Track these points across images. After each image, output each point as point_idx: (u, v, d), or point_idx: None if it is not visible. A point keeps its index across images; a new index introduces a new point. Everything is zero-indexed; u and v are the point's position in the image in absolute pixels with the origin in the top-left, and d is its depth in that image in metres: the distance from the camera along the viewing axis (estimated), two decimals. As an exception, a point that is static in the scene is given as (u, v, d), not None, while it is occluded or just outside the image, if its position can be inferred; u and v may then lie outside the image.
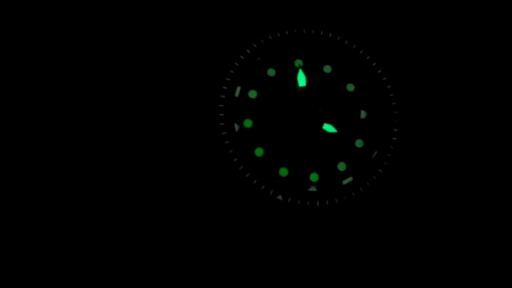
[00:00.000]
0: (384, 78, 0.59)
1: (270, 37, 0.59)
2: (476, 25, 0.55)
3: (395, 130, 0.58)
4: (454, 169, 0.56)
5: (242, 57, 0.59)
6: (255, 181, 0.55)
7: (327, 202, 0.55)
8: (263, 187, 0.55)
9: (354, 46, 0.60)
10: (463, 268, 0.53)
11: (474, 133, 0.57)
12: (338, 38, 0.60)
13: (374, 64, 0.60)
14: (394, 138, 0.58)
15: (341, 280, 0.53)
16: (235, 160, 0.55)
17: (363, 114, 0.59)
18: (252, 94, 0.59)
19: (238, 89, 0.58)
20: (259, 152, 0.57)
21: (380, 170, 0.57)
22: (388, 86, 0.59)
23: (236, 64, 0.58)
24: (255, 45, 0.59)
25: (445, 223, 0.55)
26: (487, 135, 0.56)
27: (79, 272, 0.51)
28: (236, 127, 0.57)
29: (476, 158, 0.57)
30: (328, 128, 0.58)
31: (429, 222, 0.55)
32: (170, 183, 0.54)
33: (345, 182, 0.57)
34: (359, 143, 0.59)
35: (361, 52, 0.60)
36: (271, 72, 0.59)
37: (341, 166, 0.58)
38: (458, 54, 0.58)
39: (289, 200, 0.55)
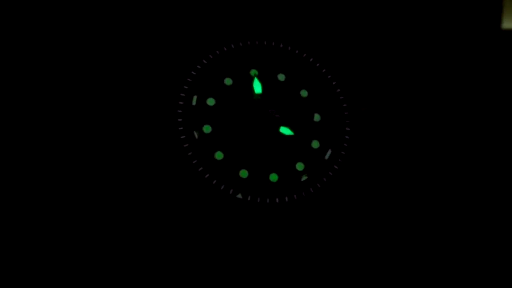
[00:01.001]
0: (334, 83, 0.63)
1: (225, 49, 0.63)
2: (422, 26, 0.56)
3: (348, 129, 0.62)
4: (401, 163, 0.59)
5: (199, 67, 0.62)
6: (214, 181, 0.56)
7: (286, 199, 0.57)
8: (222, 186, 0.56)
9: (305, 55, 0.64)
10: (410, 262, 0.54)
11: (419, 131, 0.60)
12: (289, 48, 0.64)
13: (324, 70, 0.63)
14: (347, 137, 0.61)
15: (304, 274, 0.54)
16: (194, 162, 0.57)
17: (317, 117, 0.62)
18: (210, 101, 0.61)
19: (195, 98, 0.61)
20: (219, 155, 0.59)
21: (336, 167, 0.60)
22: (338, 90, 0.63)
23: (194, 73, 0.61)
24: (211, 56, 0.62)
25: (394, 211, 0.57)
26: (430, 132, 0.58)
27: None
28: (196, 134, 0.59)
29: (420, 154, 0.60)
30: (285, 131, 0.61)
31: (379, 214, 0.57)
32: (134, 187, 0.55)
33: (302, 179, 0.59)
34: (315, 144, 0.61)
35: (311, 60, 0.64)
36: (228, 81, 0.62)
37: (299, 166, 0.60)
38: (399, 57, 0.62)
39: (249, 198, 0.57)
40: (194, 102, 0.60)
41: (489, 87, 0.52)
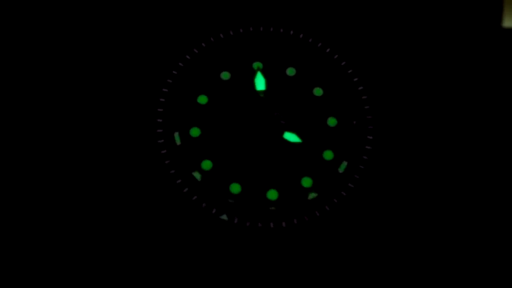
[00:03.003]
0: (356, 79, 0.51)
1: (223, 36, 0.52)
2: (450, 24, 0.50)
3: (369, 138, 0.49)
4: (434, 185, 0.46)
5: (188, 57, 0.51)
6: (195, 197, 0.46)
7: (283, 224, 0.45)
8: (204, 204, 0.46)
9: (320, 44, 0.52)
10: None
11: (456, 138, 0.48)
12: (302, 36, 0.52)
13: (343, 63, 0.51)
14: (368, 147, 0.49)
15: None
16: (172, 172, 0.46)
17: (332, 122, 0.50)
18: (202, 99, 0.51)
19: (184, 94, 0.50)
20: (206, 165, 0.49)
21: (351, 185, 0.47)
22: (360, 88, 0.51)
23: (181, 64, 0.51)
24: (204, 44, 0.51)
25: (423, 249, 0.44)
26: (469, 142, 0.48)
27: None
28: (177, 139, 0.49)
29: (458, 167, 0.47)
30: (290, 137, 0.49)
31: (405, 249, 0.44)
32: (101, 198, 0.46)
33: (310, 197, 0.47)
34: (327, 155, 0.49)
35: (328, 50, 0.52)
36: (225, 75, 0.52)
37: (306, 182, 0.48)
38: (434, 51, 0.50)
39: (235, 220, 0.45)
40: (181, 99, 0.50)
41: (489, 85, 0.48)
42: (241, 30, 0.52)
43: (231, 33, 0.52)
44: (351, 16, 0.52)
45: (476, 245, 0.46)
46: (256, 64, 0.52)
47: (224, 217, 0.45)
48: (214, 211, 0.45)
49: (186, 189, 0.46)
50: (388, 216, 0.46)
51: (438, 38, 0.50)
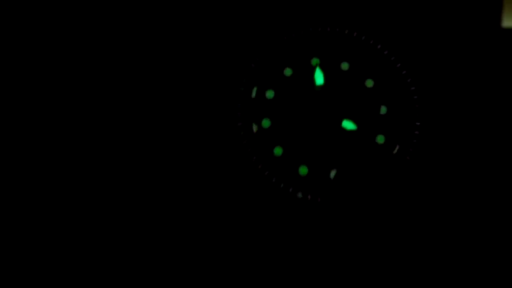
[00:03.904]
0: (404, 72, 0.58)
1: (286, 37, 0.59)
2: (449, 24, 0.52)
3: (417, 124, 0.57)
4: (479, 167, 0.53)
5: (258, 58, 0.59)
6: (274, 179, 0.55)
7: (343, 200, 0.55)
8: (282, 185, 0.55)
9: (372, 41, 0.59)
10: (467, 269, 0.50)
11: (455, 138, 0.54)
12: (355, 35, 0.59)
13: (392, 58, 0.59)
14: (416, 132, 0.57)
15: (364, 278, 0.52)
16: (254, 158, 0.55)
17: (383, 110, 0.58)
18: (270, 94, 0.59)
19: (255, 89, 0.59)
20: (278, 151, 0.57)
21: (402, 165, 0.56)
22: (409, 80, 0.58)
23: (253, 65, 0.59)
24: (270, 46, 0.59)
25: (471, 225, 0.52)
26: (469, 142, 0.54)
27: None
28: (255, 127, 0.57)
29: (502, 153, 0.54)
30: (348, 125, 0.58)
31: (450, 218, 0.52)
32: (190, 183, 0.55)
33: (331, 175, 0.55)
34: (380, 139, 0.57)
35: (378, 47, 0.59)
36: (288, 71, 0.59)
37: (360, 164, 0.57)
38: (434, 51, 0.55)
39: (309, 197, 0.55)
40: (253, 94, 0.58)
41: (489, 85, 0.49)
42: (301, 32, 0.60)
43: (293, 35, 0.59)
44: (398, 17, 0.59)
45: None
46: (315, 61, 0.60)
47: (300, 195, 0.55)
48: (291, 190, 0.55)
49: (267, 172, 0.55)
50: (436, 193, 0.54)
51: (438, 38, 0.53)
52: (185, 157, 0.56)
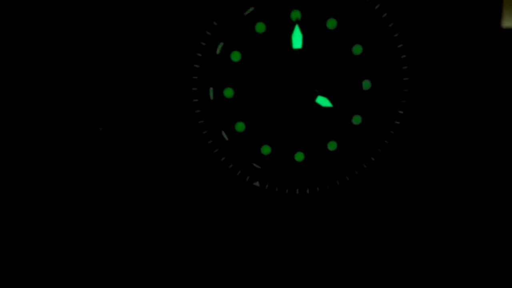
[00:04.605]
0: (396, 35, 0.47)
1: (261, -15, 0.45)
2: (449, 24, 0.48)
3: (403, 101, 0.50)
4: (466, 160, 0.50)
5: (223, 8, 0.45)
6: (223, 159, 0.49)
7: (307, 191, 0.50)
8: (239, 172, 0.49)
9: None
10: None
11: (454, 138, 0.50)
12: (350, -11, 0.46)
13: (384, 15, 0.47)
14: (401, 112, 0.50)
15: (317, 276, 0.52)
16: (205, 132, 0.48)
17: (366, 85, 0.49)
18: (235, 56, 0.48)
19: (220, 46, 0.47)
20: (239, 127, 0.50)
21: (379, 151, 0.50)
22: (400, 46, 0.48)
23: (215, 23, 0.45)
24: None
25: (445, 219, 0.51)
26: (468, 142, 0.50)
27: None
28: (211, 94, 0.48)
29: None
30: (323, 101, 0.49)
31: (429, 219, 0.51)
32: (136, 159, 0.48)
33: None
34: (356, 120, 0.50)
35: (376, 7, 0.46)
36: (259, 27, 0.47)
37: (332, 146, 0.51)
38: (480, 44, 0.47)
39: (266, 187, 0.50)
40: (218, 51, 0.47)
41: (489, 86, 0.49)
42: (282, -21, 0.45)
43: (271, -18, 0.45)
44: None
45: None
46: (295, 14, 0.47)
47: (257, 183, 0.50)
48: (247, 178, 0.49)
49: (216, 150, 0.48)
50: (413, 186, 0.50)
51: (437, 38, 0.48)
52: (133, 121, 0.47)
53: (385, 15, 0.47)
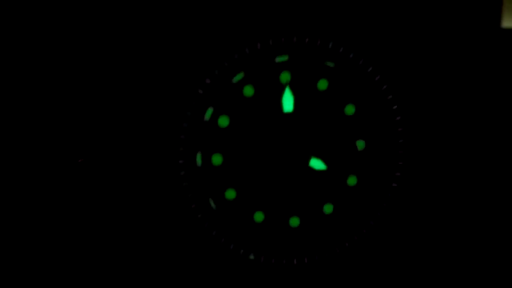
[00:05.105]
0: (390, 97, 0.46)
1: (248, 47, 0.43)
2: (449, 24, 0.48)
3: (400, 163, 0.48)
4: (467, 214, 0.48)
5: (212, 72, 0.43)
6: (214, 232, 0.46)
7: (305, 260, 0.48)
8: (232, 246, 0.46)
9: (352, 55, 0.45)
10: None
11: (456, 139, 0.49)
12: (341, 49, 0.44)
13: (377, 78, 0.45)
14: (398, 174, 0.48)
15: None
16: (193, 206, 0.45)
17: (360, 145, 0.47)
18: (223, 121, 0.45)
19: (210, 111, 0.45)
20: (230, 194, 0.47)
21: (378, 214, 0.48)
22: (395, 107, 0.46)
23: (208, 81, 0.43)
24: (228, 59, 0.43)
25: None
26: (468, 143, 0.49)
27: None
28: (199, 160, 0.45)
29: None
30: (316, 164, 0.47)
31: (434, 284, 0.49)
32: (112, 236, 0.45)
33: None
34: (352, 181, 0.48)
35: (361, 62, 0.45)
36: (248, 91, 0.45)
37: (328, 208, 0.48)
38: (480, 44, 0.47)
39: (262, 259, 0.47)
40: (207, 117, 0.45)
41: (489, 86, 0.48)
42: (269, 42, 0.43)
43: (258, 45, 0.43)
44: (389, 28, 0.44)
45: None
46: (284, 76, 0.45)
47: (252, 256, 0.47)
48: (241, 251, 0.46)
49: (199, 215, 0.46)
50: (414, 254, 0.48)
51: (437, 38, 0.47)
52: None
53: (378, 77, 0.46)
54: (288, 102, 0.45)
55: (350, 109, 0.47)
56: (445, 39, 0.46)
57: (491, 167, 0.49)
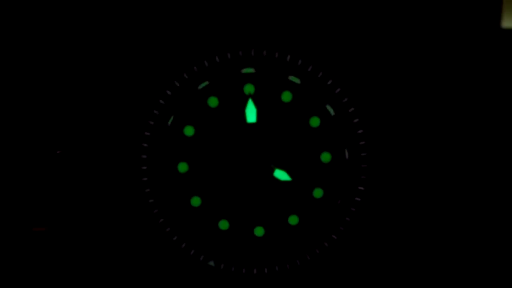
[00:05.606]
0: (352, 110, 0.46)
1: (211, 60, 0.45)
2: (449, 25, 0.48)
3: (363, 177, 0.48)
4: (430, 230, 0.47)
5: (177, 84, 0.45)
6: (176, 238, 0.47)
7: (265, 270, 0.48)
8: (192, 251, 0.48)
9: (311, 68, 0.45)
10: None
11: (456, 141, 0.48)
12: (299, 62, 0.45)
13: (338, 90, 0.46)
14: (361, 188, 0.48)
15: None
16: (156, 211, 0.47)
17: (326, 157, 0.48)
18: (188, 131, 0.47)
19: (171, 119, 0.47)
20: (195, 201, 0.48)
21: (341, 228, 0.48)
22: (356, 120, 0.47)
23: (169, 92, 0.45)
24: (193, 69, 0.45)
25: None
26: (469, 144, 0.49)
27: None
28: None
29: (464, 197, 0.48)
30: (281, 175, 0.48)
31: None
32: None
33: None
34: (317, 193, 0.48)
35: (320, 75, 0.45)
36: (212, 101, 0.47)
37: (293, 220, 0.49)
38: (434, 52, 0.47)
39: (222, 266, 0.48)
40: (169, 122, 0.47)
41: (489, 86, 0.48)
42: (229, 55, 0.45)
43: (218, 59, 0.45)
44: (353, 43, 0.44)
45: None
46: (248, 88, 0.46)
47: (212, 263, 0.48)
48: (202, 257, 0.48)
49: (168, 229, 0.47)
50: (376, 268, 0.48)
51: (437, 38, 0.47)
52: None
53: (338, 90, 0.46)
54: (251, 113, 0.47)
55: (315, 121, 0.47)
56: (445, 39, 0.46)
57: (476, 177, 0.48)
